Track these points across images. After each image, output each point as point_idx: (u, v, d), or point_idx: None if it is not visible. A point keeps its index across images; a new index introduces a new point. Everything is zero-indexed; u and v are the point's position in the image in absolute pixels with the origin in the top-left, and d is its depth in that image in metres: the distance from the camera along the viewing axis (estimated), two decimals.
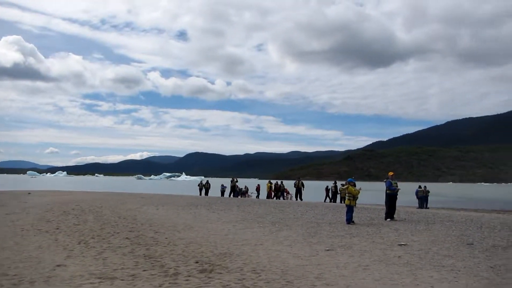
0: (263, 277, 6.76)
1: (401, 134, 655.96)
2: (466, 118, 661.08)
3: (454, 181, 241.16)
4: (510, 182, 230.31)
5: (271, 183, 33.92)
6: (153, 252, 8.89)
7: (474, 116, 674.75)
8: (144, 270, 7.18)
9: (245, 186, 38.07)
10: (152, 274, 6.90)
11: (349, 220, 14.52)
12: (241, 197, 34.58)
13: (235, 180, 36.56)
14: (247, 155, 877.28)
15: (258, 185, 37.16)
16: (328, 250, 9.33)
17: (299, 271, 7.19)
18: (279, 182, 34.85)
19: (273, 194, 33.08)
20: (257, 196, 35.41)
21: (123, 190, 50.90)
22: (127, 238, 10.75)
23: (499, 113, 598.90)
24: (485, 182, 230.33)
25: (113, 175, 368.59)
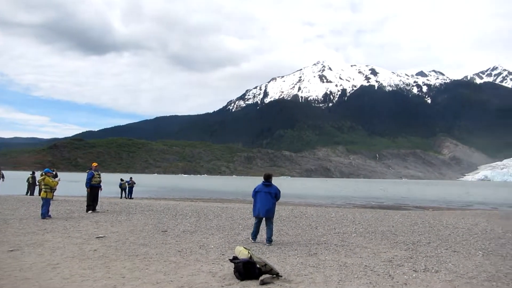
0: None
1: (113, 126, 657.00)
2: (172, 116, 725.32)
3: (159, 173, 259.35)
4: (204, 174, 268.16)
5: None
6: None
7: (179, 114, 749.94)
8: None
9: None
10: None
11: (45, 214, 13.21)
12: None
13: None
14: None
15: None
16: (12, 250, 8.08)
17: None
18: None
19: None
20: None
21: None
22: None
23: (198, 113, 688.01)
24: (185, 173, 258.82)
25: None
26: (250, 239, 10.05)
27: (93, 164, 15.96)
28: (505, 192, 58.82)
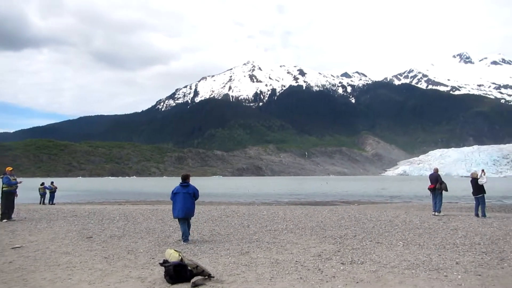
0: None
1: (31, 126, 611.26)
2: (97, 115, 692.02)
3: (84, 176, 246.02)
4: (133, 176, 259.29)
5: None
6: None
7: (105, 114, 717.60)
8: None
9: None
10: None
11: None
12: None
13: None
14: None
15: None
16: None
17: None
18: None
19: None
20: None
21: None
22: None
23: (126, 113, 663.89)
24: (112, 176, 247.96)
25: None
26: (182, 241, 9.88)
27: (7, 169, 14.70)
28: (420, 186, 63.69)
